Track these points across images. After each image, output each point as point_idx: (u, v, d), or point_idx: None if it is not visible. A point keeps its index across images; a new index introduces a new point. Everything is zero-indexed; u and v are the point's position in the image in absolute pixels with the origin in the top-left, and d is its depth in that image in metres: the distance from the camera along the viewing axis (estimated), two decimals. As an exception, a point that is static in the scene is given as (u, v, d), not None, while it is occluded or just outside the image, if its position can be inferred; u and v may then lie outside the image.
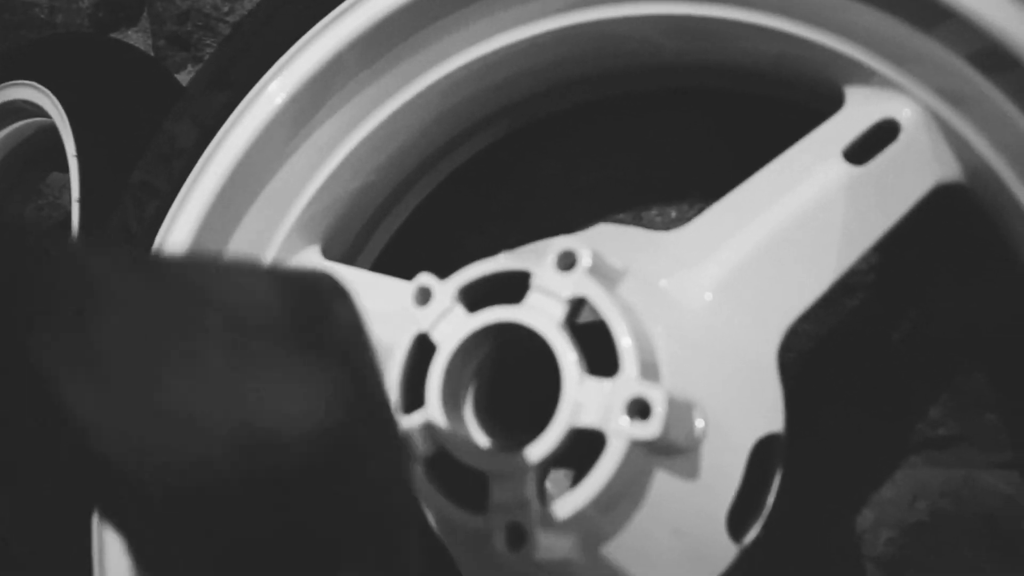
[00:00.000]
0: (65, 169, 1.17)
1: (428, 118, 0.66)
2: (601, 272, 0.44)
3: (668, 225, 0.77)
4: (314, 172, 0.65)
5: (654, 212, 0.80)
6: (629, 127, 0.81)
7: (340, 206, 0.67)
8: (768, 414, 0.46)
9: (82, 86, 0.94)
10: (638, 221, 0.78)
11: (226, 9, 1.06)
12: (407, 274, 0.60)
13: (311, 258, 0.65)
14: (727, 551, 0.45)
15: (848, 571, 0.73)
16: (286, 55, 0.62)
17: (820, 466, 0.75)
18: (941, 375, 0.71)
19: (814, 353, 0.76)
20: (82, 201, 0.81)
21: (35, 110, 1.04)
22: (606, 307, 0.42)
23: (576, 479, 0.41)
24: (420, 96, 0.64)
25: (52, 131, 1.04)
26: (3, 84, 1.06)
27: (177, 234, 0.61)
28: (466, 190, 0.82)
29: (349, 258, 0.70)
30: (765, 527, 0.77)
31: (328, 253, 0.67)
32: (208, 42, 1.11)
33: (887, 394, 0.73)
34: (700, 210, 0.75)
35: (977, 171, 0.47)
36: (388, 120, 0.64)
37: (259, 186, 0.63)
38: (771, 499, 0.49)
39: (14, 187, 1.20)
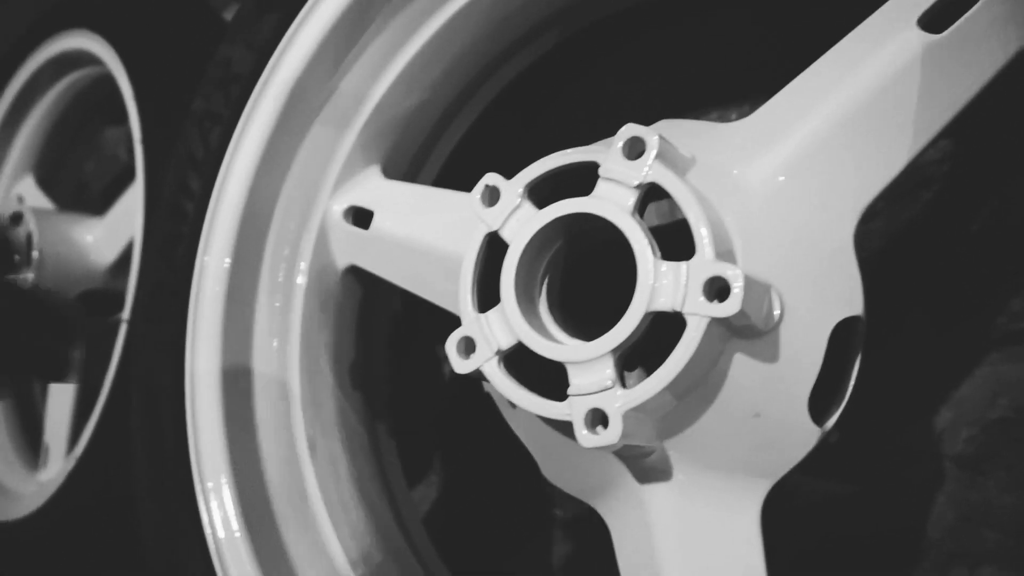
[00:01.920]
0: (120, 122, 1.20)
1: (477, 30, 0.65)
2: (670, 159, 0.43)
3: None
4: (369, 90, 0.65)
5: (714, 116, 0.78)
6: (679, 32, 0.79)
7: (397, 124, 0.67)
8: (846, 296, 0.45)
9: (137, 32, 0.95)
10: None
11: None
12: (468, 190, 0.60)
13: (372, 177, 0.66)
14: (810, 434, 0.45)
15: (927, 470, 0.73)
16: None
17: (898, 366, 0.73)
18: (1021, 266, 0.68)
19: (890, 251, 0.74)
20: (145, 141, 0.83)
21: (90, 59, 1.05)
22: (678, 191, 0.41)
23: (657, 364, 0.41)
24: (468, 6, 0.63)
25: (107, 81, 1.06)
26: (57, 33, 1.08)
27: (242, 159, 0.62)
28: (520, 106, 0.81)
29: (410, 177, 0.71)
30: (842, 428, 0.76)
31: (388, 172, 0.67)
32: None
33: (965, 289, 0.71)
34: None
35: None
36: (438, 33, 0.64)
37: (317, 107, 0.64)
38: (852, 384, 0.48)
39: (75, 141, 1.23)
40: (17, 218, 1.01)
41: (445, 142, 0.74)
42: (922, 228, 0.71)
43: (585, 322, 0.46)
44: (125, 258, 0.97)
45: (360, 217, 0.65)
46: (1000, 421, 0.70)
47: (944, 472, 0.72)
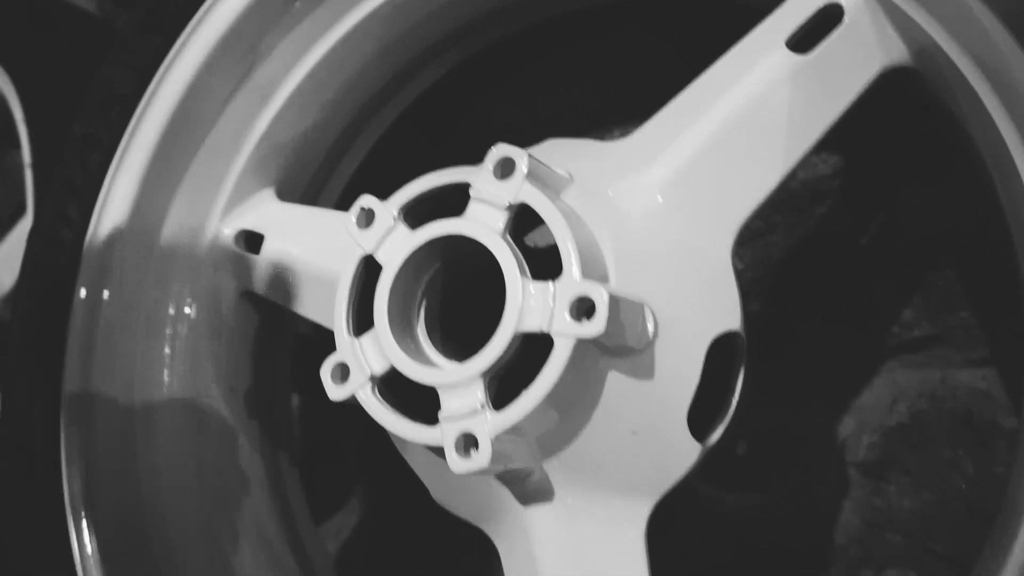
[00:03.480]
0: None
1: (371, 49, 0.64)
2: (542, 179, 0.43)
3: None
4: (259, 112, 0.64)
5: (616, 134, 0.78)
6: (579, 53, 0.79)
7: (292, 146, 0.66)
8: (724, 312, 0.46)
9: (29, 54, 0.92)
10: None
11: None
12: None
13: (265, 201, 0.64)
14: (690, 450, 0.45)
15: (832, 478, 0.74)
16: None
17: (799, 377, 0.75)
18: (913, 277, 0.71)
19: (785, 264, 0.75)
20: (34, 166, 0.80)
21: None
22: (546, 210, 0.41)
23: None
24: (360, 26, 0.62)
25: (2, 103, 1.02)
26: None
27: (122, 185, 0.60)
28: (423, 128, 0.81)
29: (309, 199, 0.69)
30: (748, 440, 0.77)
31: (284, 195, 0.66)
32: (155, 0, 1.08)
33: (860, 300, 0.73)
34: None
35: (925, 52, 0.46)
36: (330, 53, 0.63)
37: (204, 129, 0.62)
38: (735, 399, 0.48)
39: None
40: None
41: (347, 163, 0.73)
42: (817, 242, 0.73)
43: (464, 344, 0.46)
44: (21, 287, 0.93)
45: (252, 241, 0.63)
46: (899, 427, 0.72)
47: (849, 479, 0.74)
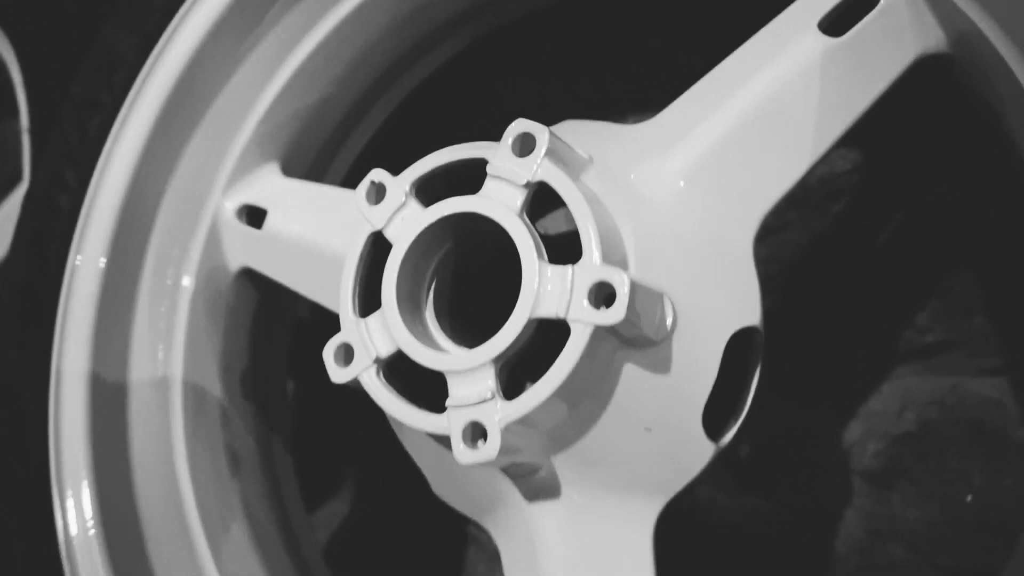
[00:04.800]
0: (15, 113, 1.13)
1: (383, 23, 0.62)
2: (563, 158, 0.41)
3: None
4: (266, 83, 0.61)
5: (631, 120, 0.76)
6: (595, 36, 0.77)
7: (298, 121, 0.64)
8: (744, 306, 0.44)
9: (29, 17, 0.89)
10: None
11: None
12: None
13: (269, 175, 0.62)
14: (704, 449, 0.43)
15: (836, 485, 0.72)
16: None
17: (808, 378, 0.73)
18: (929, 278, 0.69)
19: (800, 263, 0.73)
20: (32, 131, 0.78)
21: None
22: (567, 190, 0.39)
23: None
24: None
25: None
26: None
27: (122, 151, 0.58)
28: (434, 108, 0.79)
29: (313, 176, 0.67)
30: (752, 442, 0.75)
31: (288, 171, 0.64)
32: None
33: (875, 302, 0.71)
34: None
35: (964, 38, 0.44)
36: (341, 25, 0.61)
37: (208, 97, 0.60)
38: (750, 398, 0.46)
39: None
40: None
41: (354, 141, 0.71)
42: (833, 241, 0.71)
43: (474, 330, 0.44)
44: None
45: (254, 216, 0.61)
46: (907, 436, 0.70)
47: (853, 487, 0.72)
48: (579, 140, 0.45)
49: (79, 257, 0.56)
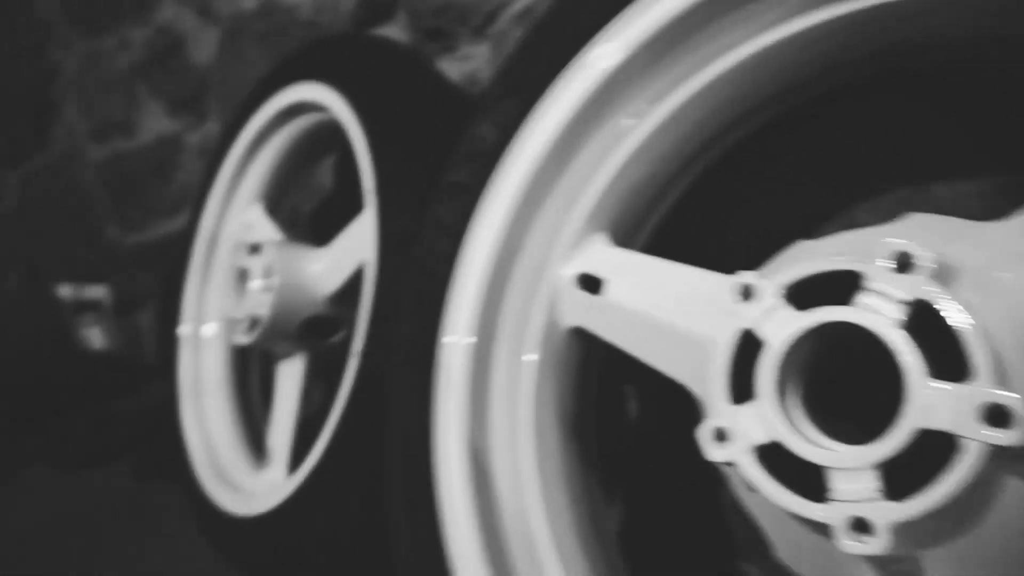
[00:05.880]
0: (325, 155, 1.32)
1: (711, 106, 0.68)
2: (939, 273, 0.44)
3: (959, 200, 0.74)
4: (602, 164, 0.69)
5: (941, 186, 0.76)
6: (900, 105, 0.77)
7: (626, 195, 0.71)
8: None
9: (369, 85, 1.04)
10: (924, 195, 0.75)
11: (485, 1, 1.12)
12: (674, 257, 0.64)
13: (601, 245, 0.70)
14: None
15: None
16: (573, 59, 0.67)
17: None
18: None
19: None
20: (379, 191, 0.92)
21: (315, 106, 1.17)
22: (952, 312, 0.42)
23: (910, 478, 0.42)
24: (708, 86, 0.65)
25: (326, 126, 1.17)
26: (289, 84, 1.20)
27: (485, 227, 0.68)
28: (730, 174, 0.83)
29: (627, 243, 0.74)
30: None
31: (614, 239, 0.71)
32: (461, 31, 1.19)
33: None
34: (997, 181, 0.71)
35: None
36: (675, 112, 0.67)
37: (555, 179, 0.69)
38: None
39: (296, 174, 1.36)
40: (256, 248, 1.13)
41: (659, 210, 0.78)
42: None
43: (835, 420, 0.48)
44: (346, 288, 1.07)
45: (589, 283, 0.69)
46: None
47: None
48: (927, 237, 0.48)
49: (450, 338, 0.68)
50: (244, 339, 1.10)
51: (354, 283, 1.06)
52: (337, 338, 1.13)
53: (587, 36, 0.66)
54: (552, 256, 0.70)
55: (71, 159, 2.25)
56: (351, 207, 1.43)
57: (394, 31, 1.31)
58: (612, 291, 0.66)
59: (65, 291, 2.12)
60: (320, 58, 1.17)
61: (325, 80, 1.12)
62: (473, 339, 0.67)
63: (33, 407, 1.81)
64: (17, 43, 2.14)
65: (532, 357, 0.69)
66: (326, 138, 1.28)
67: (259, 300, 1.08)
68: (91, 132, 2.21)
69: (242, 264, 1.14)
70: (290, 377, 1.14)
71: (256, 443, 1.25)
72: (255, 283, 1.10)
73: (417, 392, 0.68)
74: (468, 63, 1.17)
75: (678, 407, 0.68)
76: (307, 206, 1.58)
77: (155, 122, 2.04)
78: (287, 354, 1.15)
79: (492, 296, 0.68)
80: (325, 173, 1.51)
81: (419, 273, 0.70)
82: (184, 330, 1.32)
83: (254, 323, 1.08)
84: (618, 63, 0.65)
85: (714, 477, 0.66)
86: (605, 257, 0.69)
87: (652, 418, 0.93)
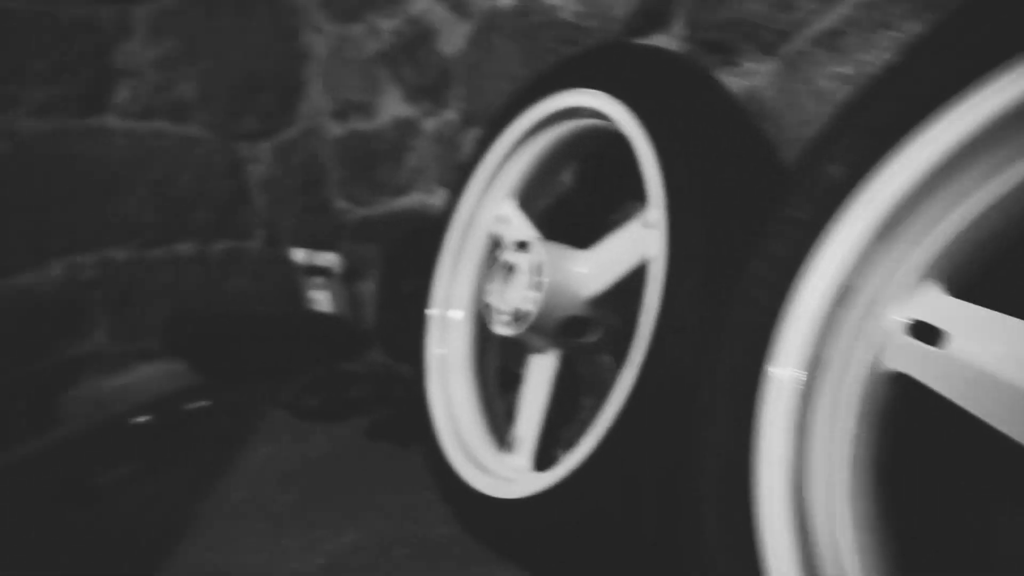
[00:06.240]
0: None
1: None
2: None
3: None
4: (952, 214, 0.68)
5: None
6: None
7: (967, 248, 0.69)
8: None
9: (657, 99, 1.07)
10: None
11: (777, 18, 1.11)
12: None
13: (935, 295, 0.69)
14: None
15: None
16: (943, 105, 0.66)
17: None
18: None
19: None
20: (669, 207, 0.94)
21: (589, 113, 1.21)
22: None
23: None
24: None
25: (592, 132, 1.20)
26: (564, 88, 1.25)
27: (826, 262, 0.69)
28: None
29: (959, 294, 0.73)
30: None
31: (950, 289, 0.70)
32: (746, 47, 1.18)
33: None
34: None
35: None
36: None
37: (900, 223, 0.68)
38: None
39: (543, 180, 1.41)
40: (523, 245, 1.19)
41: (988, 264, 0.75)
42: None
43: None
44: (607, 294, 1.11)
45: (921, 332, 0.68)
46: None
47: None
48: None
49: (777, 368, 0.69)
50: (508, 331, 1.16)
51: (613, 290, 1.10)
52: (590, 339, 1.18)
53: (964, 85, 0.64)
54: (883, 298, 0.70)
55: (313, 135, 2.45)
56: (593, 212, 1.48)
57: (665, 40, 1.32)
58: (956, 344, 0.65)
59: (299, 255, 2.32)
60: (601, 66, 1.20)
61: (606, 89, 1.16)
62: (803, 372, 0.68)
63: (272, 358, 2.00)
64: (275, 28, 2.35)
65: (853, 395, 0.69)
66: (587, 144, 1.33)
67: (526, 296, 1.14)
68: (333, 111, 2.40)
69: (509, 259, 1.21)
70: (542, 371, 1.20)
71: (492, 426, 1.32)
72: (522, 278, 1.16)
73: (738, 417, 0.70)
74: (749, 79, 1.17)
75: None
76: (541, 203, 1.64)
77: (394, 106, 2.18)
78: (540, 349, 1.20)
79: (824, 332, 0.69)
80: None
81: (745, 303, 0.72)
82: (433, 311, 1.42)
83: (519, 317, 1.15)
84: (1000, 112, 0.63)
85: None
86: (943, 307, 0.67)
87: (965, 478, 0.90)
